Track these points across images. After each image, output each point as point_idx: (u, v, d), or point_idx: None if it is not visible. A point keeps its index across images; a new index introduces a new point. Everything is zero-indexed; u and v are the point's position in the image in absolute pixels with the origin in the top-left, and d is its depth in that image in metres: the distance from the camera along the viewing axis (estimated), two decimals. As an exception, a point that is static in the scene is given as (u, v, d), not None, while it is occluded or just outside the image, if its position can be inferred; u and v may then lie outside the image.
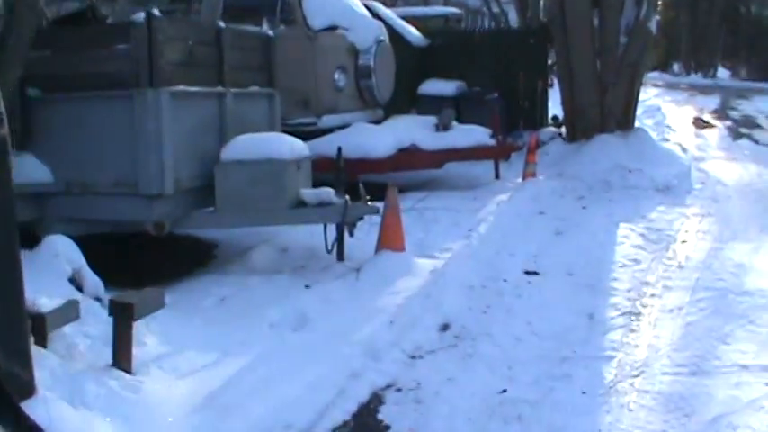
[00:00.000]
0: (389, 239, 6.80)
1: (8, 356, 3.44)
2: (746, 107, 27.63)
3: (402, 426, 4.28)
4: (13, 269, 3.53)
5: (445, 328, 5.73)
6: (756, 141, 17.92)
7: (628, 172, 11.47)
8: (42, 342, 4.13)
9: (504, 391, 4.64)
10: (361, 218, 6.94)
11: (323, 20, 10.63)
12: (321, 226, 6.90)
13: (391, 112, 11.90)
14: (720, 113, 25.03)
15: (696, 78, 46.59)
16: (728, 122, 22.37)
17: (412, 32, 15.33)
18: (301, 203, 6.83)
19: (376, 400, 4.57)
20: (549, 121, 15.96)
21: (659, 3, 16.29)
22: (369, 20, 11.82)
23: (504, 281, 6.84)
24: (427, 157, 10.58)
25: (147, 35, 6.16)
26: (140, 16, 6.21)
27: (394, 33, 13.50)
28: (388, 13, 15.25)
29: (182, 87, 6.47)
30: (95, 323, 4.74)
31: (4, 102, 3.47)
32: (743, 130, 20.22)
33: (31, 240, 5.10)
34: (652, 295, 6.42)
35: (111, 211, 6.45)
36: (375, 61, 11.14)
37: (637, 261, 7.41)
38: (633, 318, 5.87)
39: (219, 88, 7.05)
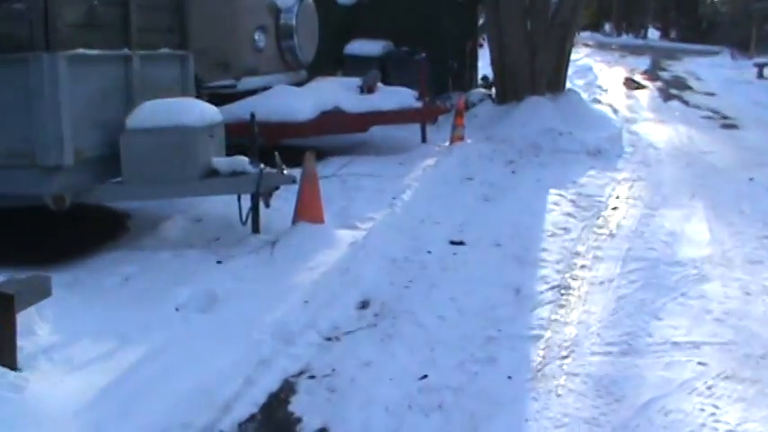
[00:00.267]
0: (306, 210, 6.44)
1: None
2: (677, 68, 27.96)
3: (314, 418, 3.95)
4: None
5: (364, 305, 5.40)
6: (686, 103, 18.03)
7: (558, 135, 11.29)
8: None
9: (425, 376, 4.33)
10: (277, 188, 6.55)
11: (241, -24, 10.11)
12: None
13: (316, 73, 11.50)
14: (651, 74, 25.24)
15: (627, 39, 47.05)
16: (659, 83, 22.54)
17: (338, -10, 14.85)
18: (213, 173, 6.42)
19: (287, 389, 4.24)
20: (479, 81, 15.71)
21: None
22: (291, -23, 11.30)
23: (429, 252, 6.54)
24: (351, 121, 10.23)
25: (43, -6, 5.65)
26: (36, -28, 5.67)
27: (318, -9, 13.04)
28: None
29: (81, 51, 5.97)
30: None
31: None
32: (673, 91, 20.37)
33: None
34: (582, 267, 6.19)
35: (7, 183, 5.95)
36: (297, 20, 10.66)
37: (567, 230, 7.20)
38: (562, 292, 5.62)
39: (125, 51, 6.55)
